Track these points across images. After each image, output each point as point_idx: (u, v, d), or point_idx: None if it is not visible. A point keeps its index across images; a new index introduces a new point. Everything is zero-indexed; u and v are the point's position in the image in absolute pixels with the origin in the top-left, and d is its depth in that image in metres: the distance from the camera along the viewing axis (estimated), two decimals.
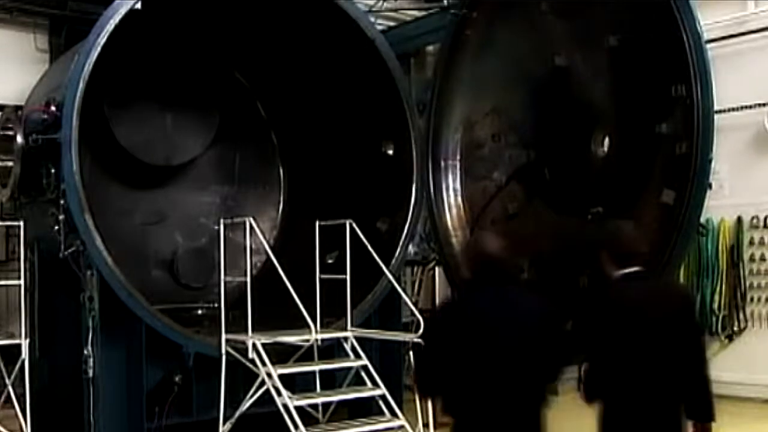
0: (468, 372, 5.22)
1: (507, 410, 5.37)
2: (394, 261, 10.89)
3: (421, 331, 9.73)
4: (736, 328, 13.04)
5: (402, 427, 9.45)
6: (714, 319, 13.00)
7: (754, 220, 12.94)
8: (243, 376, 9.59)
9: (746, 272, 12.96)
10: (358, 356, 9.87)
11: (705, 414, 6.29)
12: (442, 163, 11.72)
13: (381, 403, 9.60)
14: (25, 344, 9.15)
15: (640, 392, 5.70)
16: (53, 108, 9.39)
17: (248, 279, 9.67)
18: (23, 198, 10.36)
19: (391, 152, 11.69)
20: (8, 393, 9.14)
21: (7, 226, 10.69)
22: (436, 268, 12.76)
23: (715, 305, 12.98)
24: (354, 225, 10.20)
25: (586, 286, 9.85)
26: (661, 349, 5.65)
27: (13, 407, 9.14)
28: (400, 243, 11.08)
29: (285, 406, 8.87)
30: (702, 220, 9.63)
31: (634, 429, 5.86)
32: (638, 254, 5.76)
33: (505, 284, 5.42)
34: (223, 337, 9.53)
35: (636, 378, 5.68)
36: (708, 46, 8.95)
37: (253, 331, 9.28)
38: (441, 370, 5.35)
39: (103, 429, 9.41)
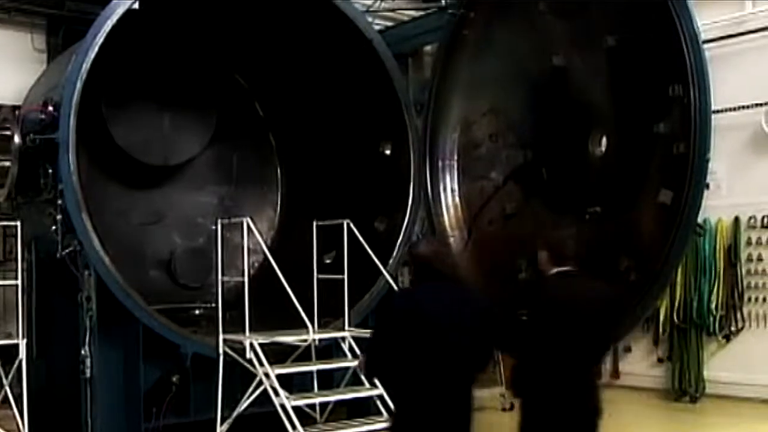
0: (406, 357, 5.74)
1: (440, 391, 5.83)
2: (391, 261, 10.90)
3: None
4: (733, 328, 13.03)
5: None
6: (711, 319, 13.00)
7: (752, 220, 12.94)
8: (240, 376, 9.58)
9: (743, 272, 12.96)
10: (355, 356, 9.87)
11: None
12: (440, 163, 11.72)
13: (378, 403, 9.61)
14: (22, 344, 9.14)
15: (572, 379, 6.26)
16: (51, 108, 9.39)
17: (246, 279, 9.67)
18: (20, 198, 10.36)
19: (388, 152, 11.70)
20: (5, 393, 9.12)
21: (5, 226, 10.68)
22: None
23: (713, 305, 12.97)
24: (351, 225, 10.21)
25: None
26: (584, 336, 6.26)
27: (11, 408, 9.12)
28: (398, 243, 11.09)
29: (282, 406, 8.87)
30: (699, 220, 9.64)
31: (553, 411, 6.29)
32: (570, 254, 6.50)
33: (440, 281, 5.96)
34: (221, 337, 9.53)
35: (561, 363, 6.23)
36: (705, 46, 8.95)
37: (250, 331, 9.28)
38: (385, 355, 5.88)
39: (101, 429, 9.42)
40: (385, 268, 10.47)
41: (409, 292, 6.53)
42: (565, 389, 6.26)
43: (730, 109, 12.65)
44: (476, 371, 6.12)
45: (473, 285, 7.52)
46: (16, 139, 9.81)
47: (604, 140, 10.24)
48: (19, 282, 9.49)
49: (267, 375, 9.07)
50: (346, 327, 10.19)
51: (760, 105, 12.71)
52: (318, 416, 9.91)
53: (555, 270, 6.47)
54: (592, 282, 6.69)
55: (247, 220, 9.80)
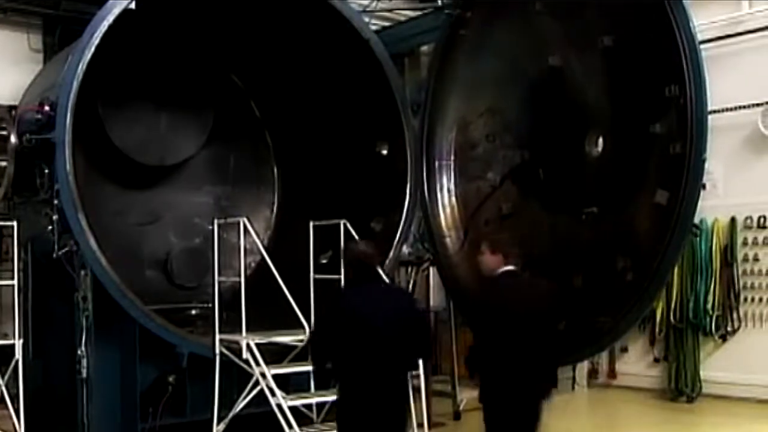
0: (345, 347, 6.68)
1: (376, 379, 6.70)
2: (388, 261, 10.90)
3: None
4: (729, 328, 13.06)
5: None
6: (708, 319, 13.03)
7: (748, 221, 12.97)
8: (237, 376, 9.58)
9: (740, 272, 12.99)
10: None
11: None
12: (437, 164, 11.70)
13: None
14: (18, 344, 9.13)
15: (511, 363, 7.04)
16: (47, 108, 9.38)
17: (242, 279, 9.66)
18: (17, 198, 10.35)
19: (385, 152, 11.70)
20: (2, 393, 9.12)
21: (1, 227, 10.65)
22: (430, 269, 12.75)
23: (709, 305, 13.00)
24: (348, 225, 10.21)
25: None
26: (527, 328, 7.04)
27: (7, 408, 9.12)
28: (394, 243, 11.09)
29: (279, 407, 8.87)
30: (696, 220, 9.64)
31: (506, 393, 7.16)
32: (512, 255, 7.28)
33: (373, 282, 7.05)
34: (217, 337, 9.53)
35: (507, 352, 7.03)
36: (702, 46, 8.96)
37: (247, 331, 9.28)
38: (328, 345, 6.86)
39: (97, 429, 9.43)
40: (381, 268, 10.46)
41: (348, 293, 7.28)
42: (513, 372, 7.06)
43: (727, 110, 12.69)
44: (406, 361, 7.05)
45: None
46: (13, 139, 9.80)
47: (600, 140, 10.24)
48: (15, 282, 9.48)
49: (263, 375, 9.07)
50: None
51: (757, 105, 12.74)
52: (314, 416, 9.90)
53: (501, 270, 7.26)
54: (533, 279, 7.72)
55: (243, 220, 9.80)
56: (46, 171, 9.46)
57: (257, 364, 9.12)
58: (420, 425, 9.61)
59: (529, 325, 7.06)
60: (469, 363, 8.02)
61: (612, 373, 14.46)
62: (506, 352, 7.06)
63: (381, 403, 6.71)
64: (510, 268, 7.25)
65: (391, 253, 11.00)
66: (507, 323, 7.03)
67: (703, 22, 11.38)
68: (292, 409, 8.96)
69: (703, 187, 9.02)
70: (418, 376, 9.80)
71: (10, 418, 9.12)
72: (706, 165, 8.81)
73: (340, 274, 9.94)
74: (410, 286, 13.82)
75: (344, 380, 6.85)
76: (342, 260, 8.34)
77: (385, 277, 8.71)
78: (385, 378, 6.73)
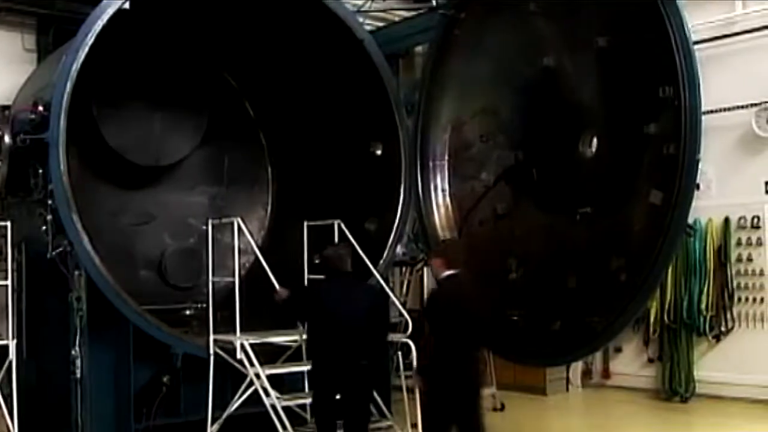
0: (317, 334, 8.24)
1: (343, 362, 8.04)
2: (382, 261, 10.89)
3: (410, 330, 9.77)
4: (723, 328, 13.08)
5: (390, 427, 9.48)
6: (701, 319, 13.04)
7: (742, 221, 12.99)
8: (231, 377, 9.58)
9: (734, 272, 13.01)
10: None
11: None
12: (431, 164, 11.72)
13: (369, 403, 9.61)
14: (12, 345, 9.11)
15: (454, 358, 7.86)
16: (41, 108, 9.36)
17: (236, 279, 9.66)
18: (11, 198, 10.33)
19: (379, 153, 11.70)
20: None
21: None
22: (425, 269, 12.76)
23: (703, 305, 13.01)
24: (342, 225, 10.22)
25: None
26: (465, 322, 7.86)
27: (0, 408, 9.10)
28: (389, 243, 11.08)
29: (273, 407, 8.87)
30: (690, 220, 9.65)
31: (448, 379, 7.88)
32: (456, 262, 8.25)
33: (342, 279, 8.45)
34: (211, 337, 9.53)
35: (451, 347, 7.88)
36: (696, 47, 8.97)
37: (241, 331, 9.28)
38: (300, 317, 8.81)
39: (91, 429, 9.41)
40: (375, 268, 10.47)
41: (321, 287, 8.80)
42: (453, 364, 7.86)
43: (721, 110, 12.71)
44: (367, 348, 8.15)
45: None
46: (6, 139, 9.78)
47: (594, 141, 10.26)
48: (9, 282, 9.47)
49: (257, 375, 9.08)
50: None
51: (750, 106, 12.75)
52: (308, 416, 9.90)
53: (445, 273, 8.14)
54: (470, 282, 8.68)
55: (237, 221, 9.80)
56: (40, 171, 9.44)
57: (251, 364, 9.12)
58: (414, 425, 9.61)
59: (466, 318, 7.91)
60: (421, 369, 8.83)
61: (606, 374, 14.47)
62: (448, 343, 7.94)
63: (341, 380, 8.08)
64: (451, 272, 8.12)
65: (385, 254, 11.00)
66: (448, 317, 7.91)
67: (696, 22, 11.39)
68: (286, 409, 8.96)
69: (697, 187, 9.03)
70: (411, 377, 9.82)
71: (4, 418, 9.09)
72: (700, 165, 8.82)
73: None
74: (405, 286, 13.86)
75: (312, 357, 8.40)
76: (318, 261, 9.39)
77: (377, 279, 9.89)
78: (346, 361, 8.05)
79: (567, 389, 14.14)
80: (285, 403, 9.01)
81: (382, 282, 10.48)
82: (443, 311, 8.01)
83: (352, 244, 9.84)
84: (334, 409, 8.19)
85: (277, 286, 9.29)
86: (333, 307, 8.14)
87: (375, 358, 8.47)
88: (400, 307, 10.62)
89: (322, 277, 9.17)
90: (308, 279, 10.15)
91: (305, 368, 9.83)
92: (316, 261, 10.37)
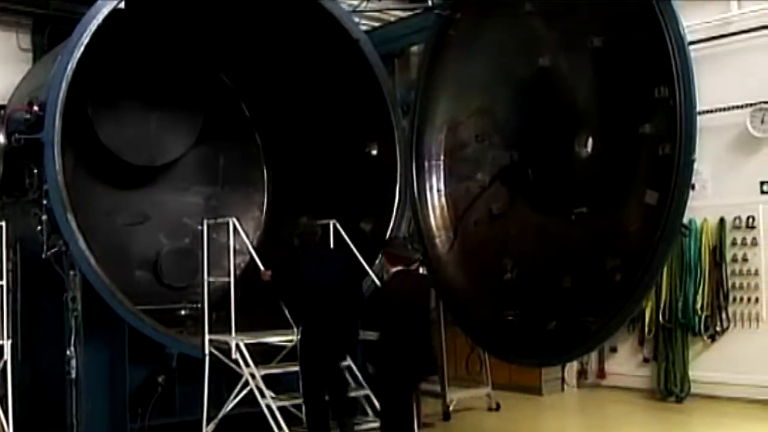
0: (299, 303, 9.16)
1: (324, 324, 9.03)
2: (377, 261, 10.89)
3: None
4: (718, 328, 13.08)
5: None
6: (697, 319, 13.05)
7: (737, 221, 13.00)
8: (226, 377, 9.58)
9: (729, 273, 13.01)
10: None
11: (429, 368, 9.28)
12: (426, 164, 11.70)
13: (365, 403, 9.62)
14: (7, 345, 9.10)
15: (402, 350, 8.44)
16: (36, 108, 9.36)
17: (231, 279, 9.66)
18: (6, 198, 10.31)
19: (375, 153, 11.71)
20: None
21: None
22: (420, 269, 12.75)
23: (698, 305, 13.01)
24: (338, 225, 10.21)
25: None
26: (413, 316, 8.56)
27: None
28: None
29: (268, 407, 8.88)
30: (685, 220, 9.65)
31: (400, 365, 8.51)
32: (405, 258, 8.92)
33: (316, 248, 9.52)
34: (207, 337, 9.53)
35: (399, 339, 8.44)
36: (691, 47, 8.97)
37: (236, 331, 9.27)
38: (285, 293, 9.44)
39: (86, 430, 9.40)
40: (371, 268, 10.47)
41: (300, 255, 9.54)
42: (400, 351, 8.44)
43: (716, 110, 12.72)
44: (342, 309, 9.12)
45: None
46: (1, 138, 9.77)
47: (590, 141, 10.25)
48: (3, 282, 9.45)
49: (253, 375, 9.09)
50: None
51: (746, 106, 12.76)
52: (304, 417, 9.90)
53: (394, 269, 8.78)
54: (416, 277, 9.46)
55: (233, 221, 9.81)
56: (35, 171, 9.44)
57: (246, 364, 9.13)
58: None
59: (413, 310, 8.60)
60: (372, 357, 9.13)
61: (601, 373, 14.48)
62: (393, 334, 8.51)
63: (322, 336, 9.03)
64: (401, 268, 8.77)
65: (381, 253, 11.00)
66: (398, 309, 8.52)
67: (691, 23, 11.40)
68: (281, 409, 8.96)
69: (693, 187, 9.03)
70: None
71: None
72: (696, 165, 8.82)
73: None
74: None
75: (295, 318, 9.33)
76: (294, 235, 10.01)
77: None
78: (325, 320, 9.01)
79: (562, 389, 14.14)
80: (280, 403, 9.02)
81: (377, 282, 10.48)
82: (390, 305, 8.63)
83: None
84: (321, 376, 9.03)
85: (262, 267, 9.68)
86: (311, 277, 9.09)
87: (351, 320, 9.40)
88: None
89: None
90: (286, 253, 10.52)
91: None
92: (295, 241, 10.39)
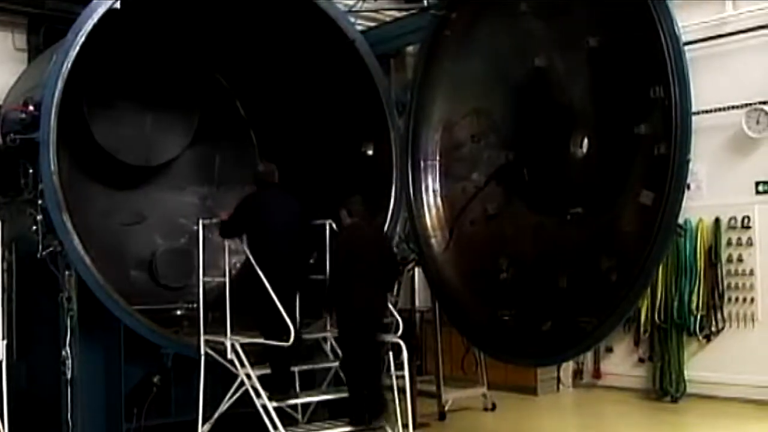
0: (257, 239, 9.52)
1: (278, 259, 9.39)
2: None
3: (400, 331, 9.76)
4: (714, 329, 13.10)
5: (381, 427, 9.46)
6: (692, 319, 13.07)
7: (732, 221, 13.02)
8: (222, 377, 9.57)
9: (724, 273, 13.03)
10: (338, 357, 9.87)
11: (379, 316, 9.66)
12: (422, 164, 11.70)
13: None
14: (2, 345, 9.04)
15: (357, 298, 9.24)
16: (31, 107, 9.34)
17: (227, 279, 9.65)
18: (1, 198, 10.30)
19: (370, 152, 11.70)
20: None
21: None
22: (416, 269, 12.76)
23: (693, 305, 13.04)
24: (334, 225, 10.21)
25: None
26: (361, 264, 9.32)
27: None
28: None
29: (264, 407, 8.87)
30: (680, 220, 9.67)
31: (357, 319, 9.31)
32: (355, 212, 9.73)
33: (269, 190, 9.90)
34: (202, 337, 9.52)
35: (347, 284, 9.29)
36: (686, 47, 8.98)
37: (232, 331, 9.27)
38: (237, 228, 9.74)
39: (82, 430, 9.39)
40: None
41: (258, 194, 9.99)
42: (352, 298, 9.25)
43: (711, 111, 12.74)
44: (296, 246, 9.68)
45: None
46: None
47: (585, 141, 10.26)
48: None
49: (248, 376, 9.07)
50: (328, 327, 10.20)
51: (741, 106, 12.78)
52: (300, 417, 9.90)
53: (348, 221, 9.71)
54: (369, 227, 10.06)
55: (227, 219, 9.78)
56: (31, 171, 9.42)
57: (242, 364, 9.12)
58: (405, 426, 9.60)
59: (361, 258, 9.36)
60: (325, 300, 9.95)
61: (597, 373, 14.49)
62: (348, 279, 9.30)
63: (276, 270, 9.24)
64: (355, 220, 9.71)
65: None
66: (348, 256, 9.39)
67: (687, 23, 11.40)
68: (277, 409, 8.95)
69: (688, 187, 9.05)
70: (402, 377, 9.84)
71: None
72: (691, 166, 8.83)
73: (326, 274, 10.00)
74: (396, 286, 13.85)
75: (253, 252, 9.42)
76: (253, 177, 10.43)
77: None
78: (284, 259, 9.43)
79: (558, 389, 14.16)
80: (276, 404, 9.00)
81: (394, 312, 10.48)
82: (344, 251, 9.51)
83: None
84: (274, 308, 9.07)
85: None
86: (268, 214, 9.59)
87: (303, 257, 10.05)
88: (391, 307, 10.60)
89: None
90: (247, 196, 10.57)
91: (297, 369, 9.85)
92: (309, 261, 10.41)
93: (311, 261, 10.53)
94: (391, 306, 10.04)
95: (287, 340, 8.88)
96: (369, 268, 9.38)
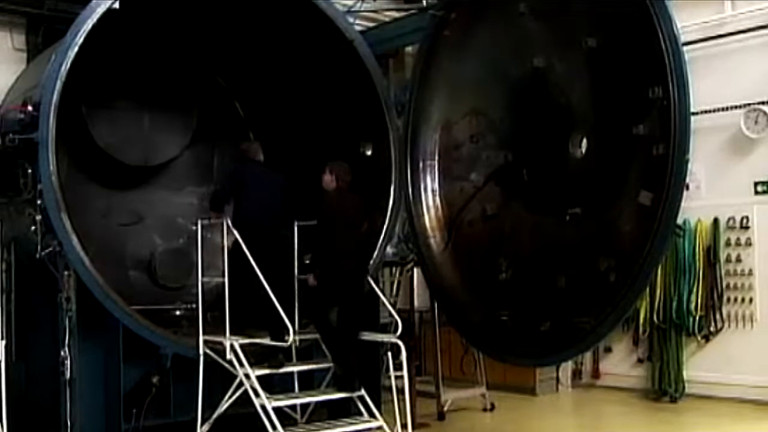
0: (242, 209, 10.13)
1: (260, 228, 9.91)
2: (372, 262, 10.89)
3: (399, 331, 9.77)
4: (712, 329, 13.12)
5: (380, 427, 9.48)
6: (691, 319, 13.09)
7: (731, 221, 13.03)
8: (221, 377, 9.57)
9: (723, 273, 13.05)
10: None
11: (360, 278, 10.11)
12: (421, 164, 11.72)
13: (359, 403, 9.62)
14: (1, 346, 9.08)
15: (338, 258, 9.69)
16: (30, 108, 9.33)
17: (225, 280, 9.64)
18: (0, 198, 10.29)
19: (369, 153, 11.69)
20: None
21: None
22: (415, 269, 12.77)
23: (692, 306, 13.06)
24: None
25: None
26: (344, 229, 9.75)
27: None
28: (379, 244, 11.07)
29: (263, 407, 8.87)
30: (679, 221, 9.68)
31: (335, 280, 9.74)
32: (343, 180, 10.03)
33: (253, 164, 10.62)
34: (201, 338, 9.51)
35: (334, 249, 9.69)
36: (685, 48, 8.99)
37: (231, 332, 9.26)
38: (224, 196, 10.53)
39: (81, 430, 9.38)
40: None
41: (241, 168, 10.67)
42: (335, 260, 9.69)
43: (710, 111, 12.75)
44: (276, 215, 10.21)
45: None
46: None
47: (584, 142, 10.27)
48: None
49: (247, 376, 9.07)
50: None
51: (739, 107, 12.79)
52: (299, 417, 9.91)
53: (332, 186, 9.99)
54: (352, 195, 10.14)
55: (227, 221, 9.79)
56: (29, 171, 9.41)
57: (241, 365, 9.12)
58: (404, 426, 9.61)
59: (344, 223, 9.78)
60: (311, 264, 10.21)
61: (596, 374, 14.50)
62: (332, 240, 9.68)
63: (260, 241, 9.68)
64: (341, 185, 9.98)
65: (375, 254, 10.99)
66: (332, 219, 9.77)
67: (686, 23, 11.42)
68: (276, 409, 8.95)
69: (687, 187, 9.06)
70: (401, 377, 9.86)
71: None
72: (690, 166, 8.84)
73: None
74: (395, 287, 13.87)
75: (237, 228, 9.63)
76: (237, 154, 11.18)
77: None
78: (259, 222, 9.94)
79: (557, 389, 14.17)
80: (275, 404, 9.01)
81: (372, 283, 10.48)
82: (329, 214, 9.83)
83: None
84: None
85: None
86: (254, 186, 10.19)
87: (284, 226, 10.46)
88: (390, 307, 10.62)
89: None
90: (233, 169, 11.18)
91: (295, 369, 9.86)
92: (306, 261, 10.41)
93: (306, 261, 10.57)
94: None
95: (287, 334, 9.17)
96: (353, 234, 9.85)
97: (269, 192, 10.28)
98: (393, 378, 10.03)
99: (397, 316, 10.02)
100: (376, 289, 10.61)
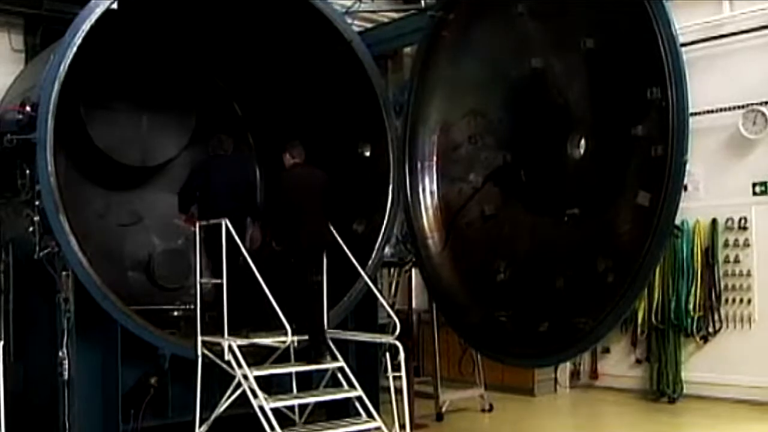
0: (208, 201, 10.24)
1: (219, 209, 9.84)
2: (370, 262, 10.90)
3: (397, 332, 9.76)
4: (711, 329, 13.13)
5: (378, 428, 9.47)
6: (689, 320, 13.09)
7: (729, 222, 13.03)
8: (219, 378, 9.56)
9: (721, 273, 13.06)
10: (334, 358, 9.88)
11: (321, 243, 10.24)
12: (419, 165, 11.72)
13: (357, 404, 9.62)
14: None
15: (305, 231, 10.04)
16: (28, 108, 9.33)
17: (224, 281, 9.64)
18: None
19: (367, 154, 11.69)
20: None
21: None
22: (413, 270, 12.77)
23: (690, 306, 13.07)
24: (330, 226, 10.20)
25: None
26: (304, 200, 10.11)
27: None
28: (377, 244, 11.08)
29: (261, 408, 8.86)
30: (677, 221, 9.68)
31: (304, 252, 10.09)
32: (299, 156, 10.42)
33: (222, 155, 10.67)
34: (199, 338, 9.51)
35: (293, 218, 10.07)
36: (684, 48, 9.00)
37: (229, 332, 9.26)
38: (192, 189, 10.48)
39: (79, 431, 9.37)
40: (363, 269, 10.47)
41: (209, 159, 10.82)
42: (295, 232, 10.06)
43: (708, 112, 12.76)
44: (241, 205, 10.33)
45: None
46: None
47: (582, 142, 10.28)
48: None
49: (245, 377, 9.06)
50: (325, 328, 10.19)
51: (737, 108, 12.80)
52: (297, 418, 9.89)
53: (292, 162, 10.37)
54: (312, 169, 10.47)
55: (225, 222, 9.78)
56: (28, 172, 9.41)
57: (239, 365, 9.11)
58: (402, 426, 9.61)
59: (304, 195, 10.12)
60: (275, 236, 10.76)
61: (594, 374, 14.51)
62: (291, 213, 10.07)
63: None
64: (297, 161, 10.36)
65: (374, 255, 11.00)
66: (291, 194, 10.18)
67: (684, 24, 11.42)
68: (274, 410, 8.94)
69: (685, 188, 9.07)
70: (400, 378, 9.85)
71: None
72: (688, 167, 8.84)
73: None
74: (393, 287, 13.86)
75: (203, 212, 10.15)
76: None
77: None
78: (226, 208, 9.84)
79: (555, 390, 14.17)
80: (273, 405, 8.99)
81: (370, 283, 10.48)
82: (288, 189, 10.29)
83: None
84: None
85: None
86: (214, 176, 10.32)
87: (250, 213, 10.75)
88: (388, 308, 10.61)
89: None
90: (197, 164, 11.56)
91: (294, 370, 9.85)
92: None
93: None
94: (385, 303, 10.63)
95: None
96: (313, 203, 10.14)
97: (233, 179, 10.41)
98: (391, 379, 10.01)
99: (395, 317, 10.00)
100: (375, 289, 10.61)
